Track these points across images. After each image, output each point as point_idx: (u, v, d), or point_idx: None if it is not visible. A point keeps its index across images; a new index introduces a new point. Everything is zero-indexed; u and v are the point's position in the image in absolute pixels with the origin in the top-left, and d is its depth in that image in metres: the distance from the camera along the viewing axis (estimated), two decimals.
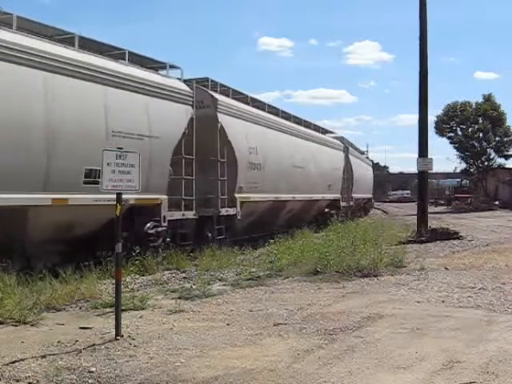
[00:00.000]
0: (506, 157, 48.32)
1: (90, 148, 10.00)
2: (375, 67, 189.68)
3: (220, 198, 15.06)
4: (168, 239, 12.78)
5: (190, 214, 13.80)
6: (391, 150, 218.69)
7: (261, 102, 20.05)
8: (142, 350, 5.82)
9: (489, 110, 46.81)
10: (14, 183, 9.19)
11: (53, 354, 5.69)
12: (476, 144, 48.30)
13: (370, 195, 41.79)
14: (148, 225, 12.23)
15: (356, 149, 36.77)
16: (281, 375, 5.01)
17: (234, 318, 7.36)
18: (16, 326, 6.92)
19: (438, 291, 9.01)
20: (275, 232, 15.94)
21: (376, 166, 55.58)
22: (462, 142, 48.33)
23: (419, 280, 10.11)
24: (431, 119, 50.03)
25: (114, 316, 6.39)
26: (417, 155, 19.10)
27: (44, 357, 5.61)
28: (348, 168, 30.05)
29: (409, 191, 79.92)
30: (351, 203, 30.52)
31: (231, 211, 15.62)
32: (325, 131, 28.69)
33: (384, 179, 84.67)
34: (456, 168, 51.59)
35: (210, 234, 14.74)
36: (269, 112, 19.99)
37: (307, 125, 24.62)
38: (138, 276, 10.89)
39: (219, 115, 15.20)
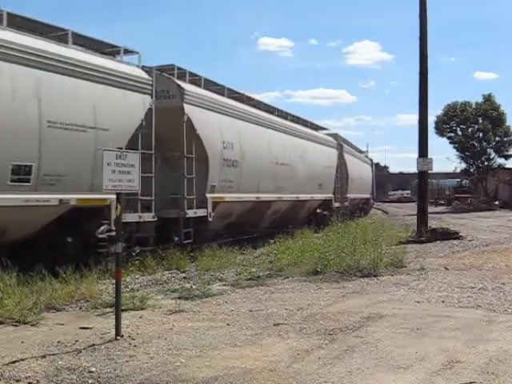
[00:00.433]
0: (506, 157, 48.20)
1: (18, 141, 9.08)
2: (375, 67, 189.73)
3: (186, 198, 13.45)
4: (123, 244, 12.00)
5: (149, 216, 12.21)
6: (391, 150, 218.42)
7: (239, 93, 17.91)
8: (141, 350, 5.83)
9: (489, 110, 46.74)
10: None
11: (53, 354, 5.70)
12: (476, 144, 48.22)
13: (368, 195, 40.04)
14: (101, 228, 10.88)
15: (352, 147, 34.93)
16: (281, 375, 5.02)
17: (233, 318, 7.37)
18: (16, 325, 6.93)
19: (438, 291, 9.02)
20: (259, 235, 14.96)
21: (376, 166, 55.28)
22: (462, 142, 48.25)
23: (419, 280, 10.13)
24: (431, 119, 50.17)
25: (114, 316, 6.40)
26: (417, 155, 19.10)
27: (44, 357, 5.62)
28: (342, 166, 28.25)
29: (409, 191, 79.78)
30: (346, 203, 28.49)
31: (201, 212, 13.97)
32: (316, 127, 26.64)
33: (384, 179, 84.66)
34: (456, 168, 51.45)
35: (176, 238, 13.26)
36: (249, 105, 18.09)
37: (294, 120, 22.74)
38: (138, 276, 10.91)
39: (186, 106, 13.57)
